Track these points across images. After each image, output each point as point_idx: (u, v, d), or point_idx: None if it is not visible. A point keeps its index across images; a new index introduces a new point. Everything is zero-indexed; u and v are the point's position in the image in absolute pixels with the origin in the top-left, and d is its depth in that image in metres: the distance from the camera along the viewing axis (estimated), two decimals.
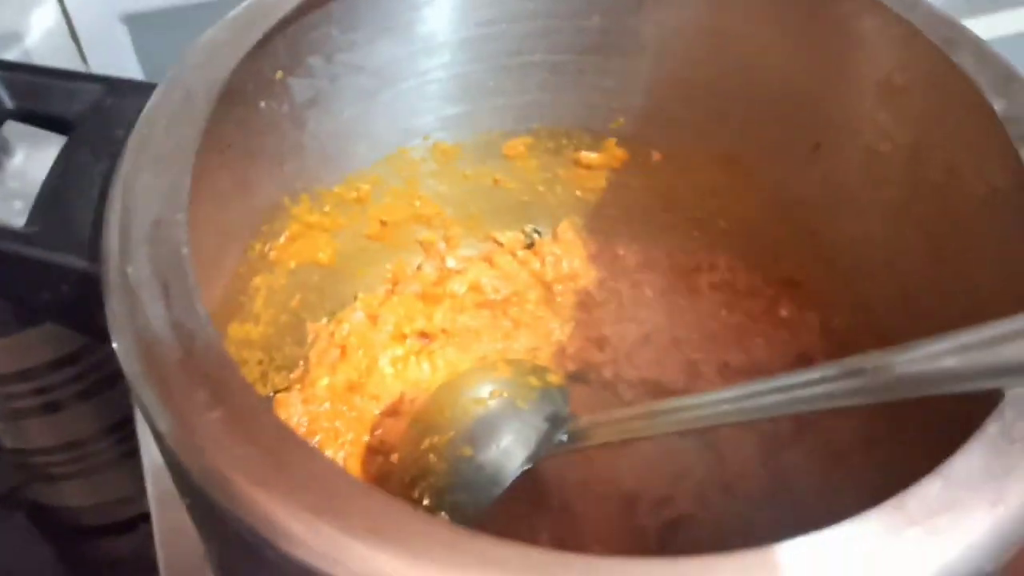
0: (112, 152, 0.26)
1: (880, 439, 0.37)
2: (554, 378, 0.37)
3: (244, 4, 0.31)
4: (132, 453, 0.59)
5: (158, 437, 0.21)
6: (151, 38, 0.54)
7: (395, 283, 0.43)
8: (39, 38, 0.53)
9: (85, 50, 0.53)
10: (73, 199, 0.26)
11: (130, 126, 0.26)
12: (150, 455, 0.48)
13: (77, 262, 0.25)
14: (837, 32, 0.34)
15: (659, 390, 0.42)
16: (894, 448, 0.36)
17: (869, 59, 0.34)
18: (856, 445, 0.38)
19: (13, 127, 0.29)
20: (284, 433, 0.20)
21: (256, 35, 0.30)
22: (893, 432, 0.36)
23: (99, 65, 0.54)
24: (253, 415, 0.20)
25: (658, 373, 0.43)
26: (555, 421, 0.35)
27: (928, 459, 0.25)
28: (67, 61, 0.53)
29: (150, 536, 0.64)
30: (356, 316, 0.42)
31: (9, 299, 0.27)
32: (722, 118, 0.39)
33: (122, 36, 0.53)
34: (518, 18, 0.37)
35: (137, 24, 0.53)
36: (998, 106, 0.28)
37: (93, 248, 0.25)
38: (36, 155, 0.32)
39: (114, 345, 0.22)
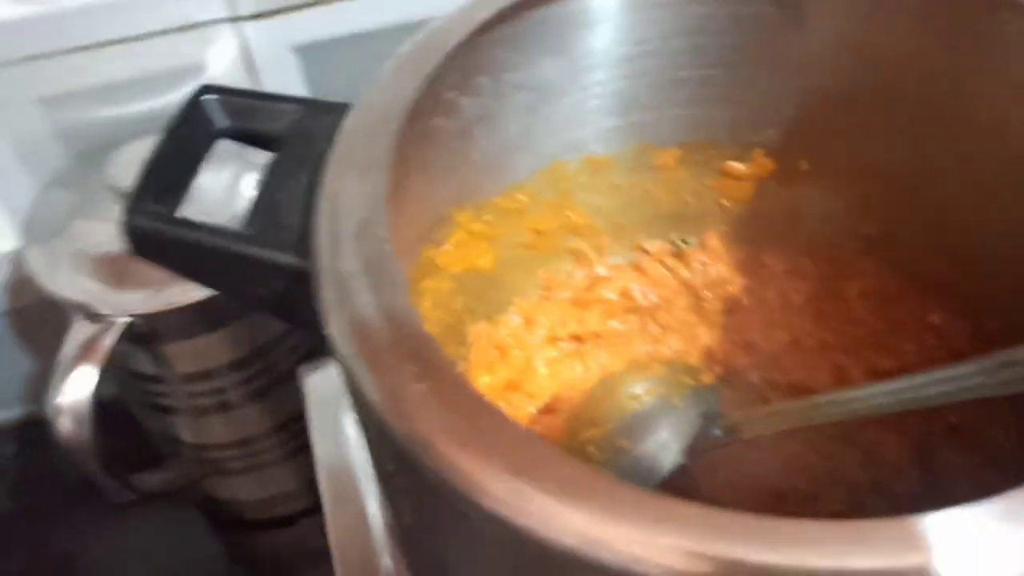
0: (314, 164, 0.29)
1: None
2: (706, 377, 0.39)
3: (421, 33, 0.34)
4: (296, 452, 0.64)
5: (367, 409, 0.24)
6: (318, 66, 0.59)
7: (548, 289, 0.46)
8: (220, 70, 0.58)
9: (261, 79, 0.58)
10: (283, 205, 0.29)
11: (330, 141, 0.30)
12: (321, 453, 0.52)
13: (289, 259, 0.28)
14: (985, 38, 0.35)
15: (806, 394, 0.43)
16: None
17: (1019, 65, 0.34)
18: (1011, 447, 0.38)
19: (224, 146, 0.32)
20: (484, 404, 0.22)
21: (434, 60, 0.33)
22: None
23: (271, 87, 0.59)
24: (456, 388, 0.22)
25: (805, 377, 0.44)
26: (708, 418, 0.36)
27: None
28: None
29: (310, 530, 0.69)
30: (513, 319, 0.45)
31: (228, 293, 0.30)
32: (869, 128, 0.40)
33: (294, 65, 0.58)
34: (670, 36, 0.39)
35: (307, 53, 0.58)
36: None
37: (302, 247, 0.28)
38: (243, 173, 0.36)
39: (328, 329, 0.25)
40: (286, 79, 0.58)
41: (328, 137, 0.30)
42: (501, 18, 0.34)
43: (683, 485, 0.39)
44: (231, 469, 0.63)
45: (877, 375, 0.42)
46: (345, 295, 0.25)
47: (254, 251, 0.28)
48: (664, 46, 0.39)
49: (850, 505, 0.39)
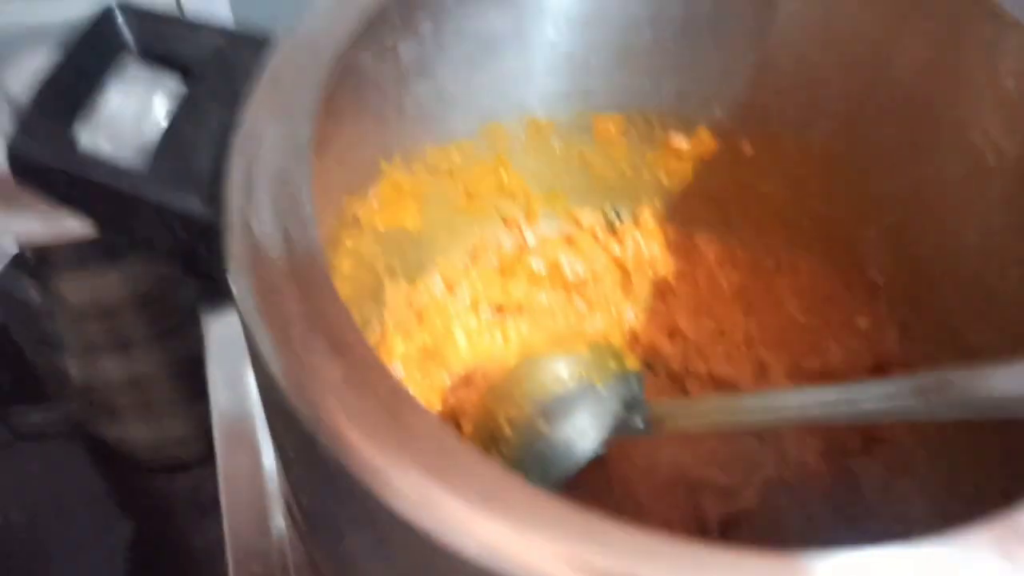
0: (232, 102, 0.27)
1: (953, 453, 0.36)
2: (631, 363, 0.37)
3: None
4: (194, 397, 0.61)
5: (271, 387, 0.21)
6: None
7: (475, 254, 0.43)
8: None
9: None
10: (193, 145, 0.26)
11: (250, 74, 0.27)
12: (218, 400, 0.49)
13: (195, 208, 0.25)
14: (955, 35, 0.34)
15: (726, 387, 0.42)
16: (967, 462, 0.36)
17: (987, 66, 0.33)
18: (924, 454, 0.38)
19: (134, 72, 0.29)
20: (401, 393, 0.20)
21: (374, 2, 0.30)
22: (968, 447, 0.35)
23: (193, 9, 0.55)
24: (372, 373, 0.20)
25: (727, 370, 0.43)
26: (630, 406, 0.35)
27: (1003, 478, 0.25)
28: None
29: (204, 478, 0.66)
30: (435, 283, 0.42)
31: (122, 237, 0.27)
32: (822, 115, 0.39)
33: None
34: (629, 1, 0.36)
35: None
36: None
37: (211, 195, 0.25)
38: (159, 97, 0.33)
39: (235, 293, 0.22)
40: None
41: (249, 72, 0.27)
42: None
43: (597, 472, 0.38)
44: (123, 411, 0.60)
45: (800, 374, 0.41)
46: (256, 256, 0.22)
47: (156, 195, 0.25)
48: (622, 11, 0.37)
49: (763, 502, 0.39)
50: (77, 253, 0.50)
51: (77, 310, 0.53)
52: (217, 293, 0.57)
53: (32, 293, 0.52)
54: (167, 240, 0.26)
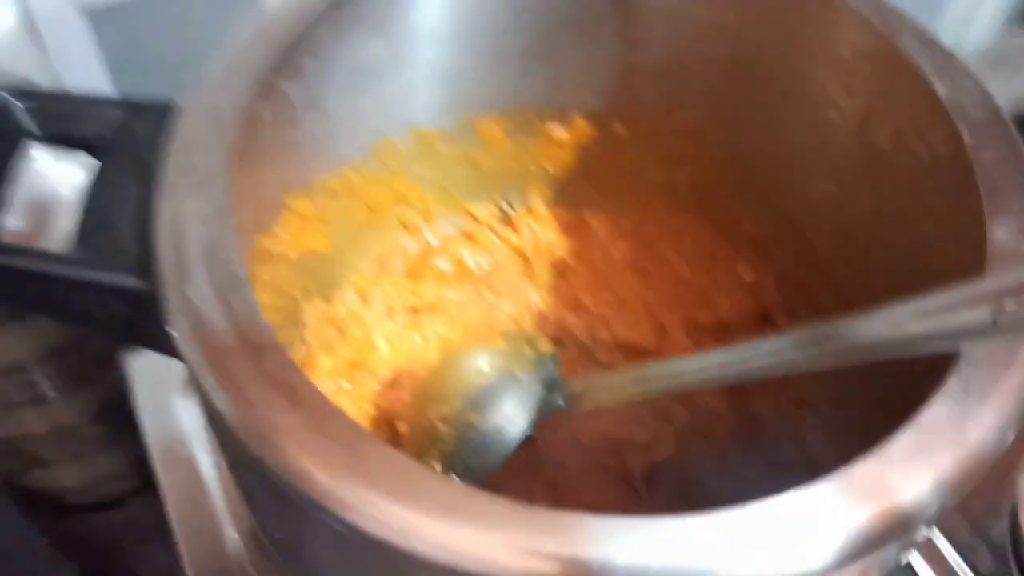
0: (144, 174, 0.28)
1: (843, 389, 0.41)
2: (544, 346, 0.40)
3: (246, 24, 0.32)
4: (118, 434, 0.61)
5: (229, 435, 0.23)
6: (114, 31, 0.55)
7: (382, 263, 0.46)
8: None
9: (48, 47, 0.53)
10: (114, 222, 0.28)
11: (157, 147, 0.28)
12: (152, 431, 0.50)
13: (128, 281, 0.27)
14: (798, 18, 0.37)
15: (632, 351, 0.46)
16: (856, 395, 0.40)
17: (821, 37, 0.37)
18: (820, 392, 0.42)
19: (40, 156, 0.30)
20: (357, 431, 0.22)
21: (261, 52, 0.32)
22: (857, 384, 0.40)
23: (62, 63, 0.54)
24: (327, 416, 0.23)
25: (630, 335, 0.46)
26: (550, 386, 0.38)
27: (888, 402, 0.29)
28: (29, 59, 0.53)
29: (141, 509, 0.66)
30: (348, 296, 0.45)
31: (59, 318, 0.29)
32: (683, 92, 0.42)
33: (85, 30, 0.53)
34: (496, 13, 0.39)
35: (99, 20, 0.53)
36: (939, 87, 0.32)
37: (142, 267, 0.27)
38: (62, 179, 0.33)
39: (185, 360, 0.24)
40: (77, 48, 0.53)
41: (154, 143, 0.29)
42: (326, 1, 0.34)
43: (528, 449, 0.41)
44: (50, 459, 0.60)
45: (696, 328, 0.45)
46: (198, 322, 0.24)
47: (89, 275, 0.26)
48: (490, 23, 0.39)
49: (679, 450, 0.43)
50: None
51: None
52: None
53: None
54: (104, 315, 0.27)
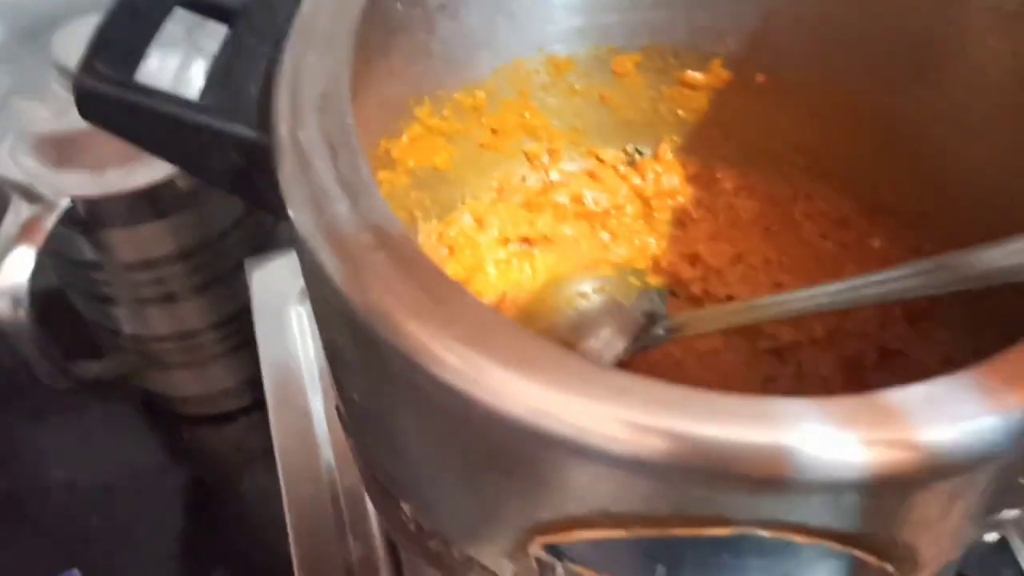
0: (273, 39, 0.29)
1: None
2: (653, 280, 0.39)
3: None
4: (238, 347, 0.63)
5: (322, 280, 0.24)
6: None
7: (501, 190, 0.46)
8: None
9: None
10: (240, 78, 0.28)
11: (288, 17, 0.29)
12: (269, 346, 0.52)
13: (247, 131, 0.27)
14: None
15: None
16: None
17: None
18: (939, 369, 0.40)
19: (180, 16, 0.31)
20: (440, 274, 0.22)
21: None
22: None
23: None
24: (413, 259, 0.23)
25: (745, 292, 0.45)
26: (652, 318, 0.37)
27: None
28: None
29: (248, 428, 0.69)
30: (464, 219, 0.45)
31: (183, 166, 0.30)
32: (829, 44, 0.41)
33: None
34: None
35: None
36: None
37: (260, 120, 0.27)
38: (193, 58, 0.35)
39: (288, 202, 0.25)
40: None
41: (287, 13, 0.29)
42: None
43: None
44: (171, 362, 0.63)
45: None
46: (305, 167, 0.25)
47: (211, 121, 0.27)
48: None
49: None
50: (125, 208, 0.52)
51: (125, 264, 0.55)
52: (261, 239, 0.60)
53: (84, 249, 0.54)
54: (222, 165, 0.28)
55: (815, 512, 0.22)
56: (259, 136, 0.27)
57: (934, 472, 0.21)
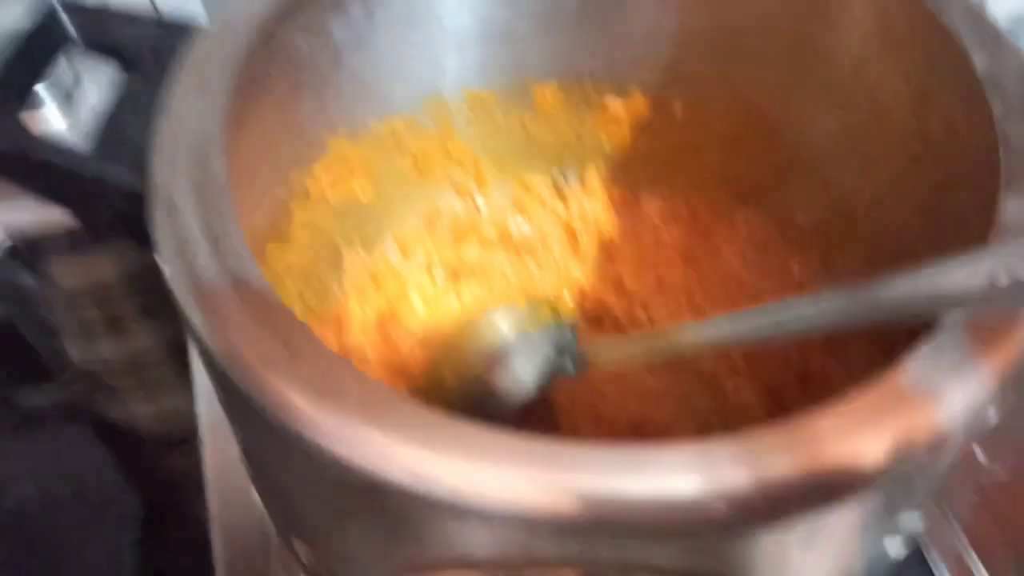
0: (164, 85, 0.29)
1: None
2: (566, 315, 0.40)
3: None
4: (188, 370, 0.64)
5: (190, 329, 0.24)
6: None
7: (429, 221, 0.46)
8: None
9: None
10: (130, 125, 0.29)
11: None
12: (201, 374, 0.52)
13: (129, 179, 0.28)
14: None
15: None
16: None
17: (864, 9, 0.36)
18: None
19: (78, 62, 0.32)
20: (295, 322, 0.23)
21: None
22: None
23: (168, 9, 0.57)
24: (268, 305, 0.23)
25: (668, 318, 0.45)
26: (563, 352, 0.38)
27: None
28: None
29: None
30: (390, 249, 0.45)
31: (76, 213, 0.30)
32: (738, 69, 0.41)
33: None
34: None
35: None
36: (977, 62, 0.30)
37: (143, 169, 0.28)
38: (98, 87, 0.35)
39: (156, 249, 0.25)
40: None
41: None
42: None
43: (544, 418, 0.40)
44: (122, 387, 0.63)
45: None
46: (173, 216, 0.25)
47: (92, 171, 0.28)
48: None
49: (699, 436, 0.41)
50: (67, 240, 0.53)
51: (71, 294, 0.56)
52: None
53: (28, 281, 0.55)
54: (106, 212, 0.28)
55: (668, 554, 0.23)
56: (141, 184, 0.28)
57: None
